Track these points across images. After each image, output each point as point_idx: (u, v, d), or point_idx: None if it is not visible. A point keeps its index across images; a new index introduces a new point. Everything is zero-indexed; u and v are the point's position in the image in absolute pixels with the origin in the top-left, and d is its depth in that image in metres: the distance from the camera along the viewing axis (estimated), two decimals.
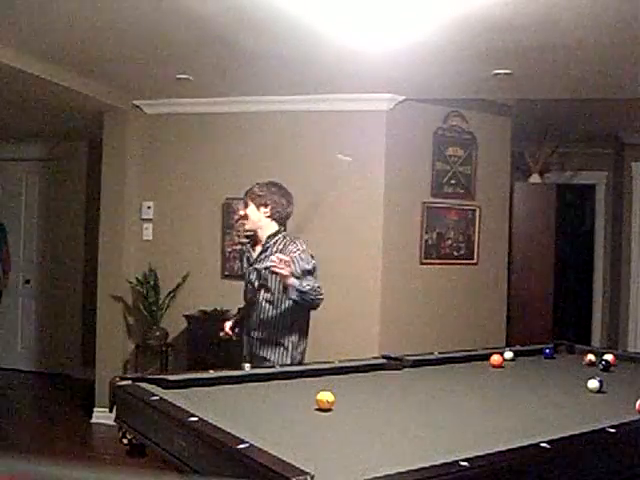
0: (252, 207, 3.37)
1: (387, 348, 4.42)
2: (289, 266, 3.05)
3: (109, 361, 5.40)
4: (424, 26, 3.38)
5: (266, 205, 3.34)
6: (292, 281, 3.09)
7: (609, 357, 3.20)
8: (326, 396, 2.22)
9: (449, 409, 2.40)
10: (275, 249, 3.30)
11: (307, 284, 3.14)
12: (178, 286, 5.29)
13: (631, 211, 6.58)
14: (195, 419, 1.94)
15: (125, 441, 2.33)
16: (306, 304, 3.21)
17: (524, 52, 3.74)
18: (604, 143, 6.75)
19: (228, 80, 4.72)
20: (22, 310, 7.39)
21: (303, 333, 3.39)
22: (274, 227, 3.37)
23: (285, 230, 3.43)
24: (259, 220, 3.36)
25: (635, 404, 2.25)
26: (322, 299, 3.23)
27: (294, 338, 3.33)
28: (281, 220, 3.39)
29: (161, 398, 2.21)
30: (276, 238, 3.35)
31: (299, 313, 3.31)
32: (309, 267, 3.21)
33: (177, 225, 5.42)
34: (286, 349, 3.31)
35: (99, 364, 5.45)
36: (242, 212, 3.47)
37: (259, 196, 3.36)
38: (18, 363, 7.31)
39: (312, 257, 3.28)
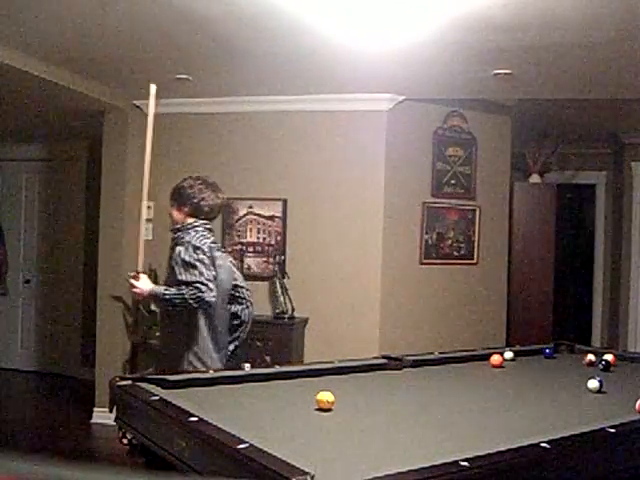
0: (174, 208, 3.30)
1: (387, 348, 4.42)
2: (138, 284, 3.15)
3: (109, 361, 5.39)
4: (424, 26, 3.38)
5: (185, 204, 3.24)
6: (149, 293, 3.15)
7: (609, 357, 3.20)
8: (326, 396, 2.22)
9: (449, 409, 2.40)
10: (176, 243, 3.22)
11: (169, 291, 3.04)
12: None
13: (631, 211, 6.58)
14: (195, 419, 1.93)
15: (125, 441, 2.33)
16: (182, 306, 3.05)
17: (524, 52, 3.74)
18: (604, 143, 6.75)
19: (228, 80, 4.72)
20: (22, 310, 7.39)
21: (200, 337, 3.17)
22: (189, 221, 3.25)
23: (208, 222, 3.28)
24: (182, 220, 3.25)
25: (635, 404, 2.25)
26: (200, 296, 3.01)
27: (188, 343, 3.16)
28: (206, 215, 3.26)
29: (161, 398, 2.21)
30: (179, 233, 3.23)
31: (190, 318, 3.14)
32: (188, 259, 3.06)
33: None
34: (180, 355, 3.15)
35: (99, 364, 5.45)
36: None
37: (180, 195, 3.27)
38: (18, 363, 7.31)
39: (200, 250, 3.10)
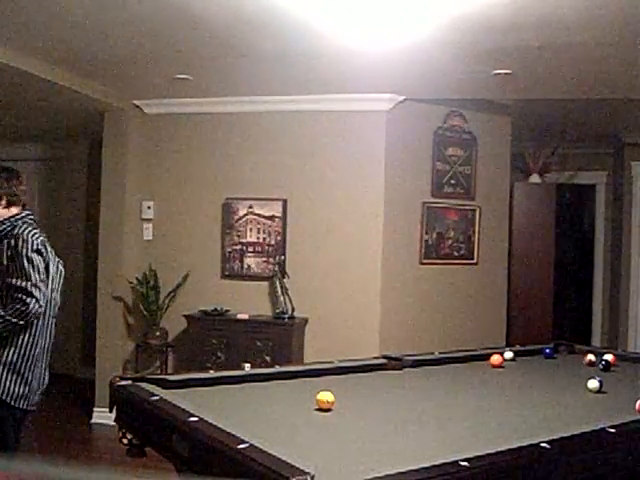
0: None
1: (387, 348, 4.42)
2: None
3: (109, 361, 5.40)
4: (424, 26, 3.38)
5: (9, 204, 2.80)
6: None
7: (609, 357, 3.20)
8: (326, 396, 2.22)
9: (449, 409, 2.40)
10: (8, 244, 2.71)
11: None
12: (178, 286, 5.29)
13: (631, 211, 6.58)
14: (195, 419, 1.93)
15: (125, 441, 2.33)
16: (8, 331, 2.60)
17: (524, 52, 3.74)
18: (604, 143, 6.75)
19: (228, 80, 4.72)
20: None
21: (15, 366, 2.72)
22: (13, 212, 2.81)
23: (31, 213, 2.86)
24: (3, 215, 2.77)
25: (635, 404, 2.25)
26: (31, 310, 2.59)
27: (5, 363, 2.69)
28: (22, 205, 2.86)
29: (161, 398, 2.21)
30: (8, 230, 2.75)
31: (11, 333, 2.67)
32: (25, 268, 2.63)
33: (177, 225, 5.42)
34: None
35: (99, 364, 5.45)
36: None
37: None
38: None
39: (33, 252, 2.66)
